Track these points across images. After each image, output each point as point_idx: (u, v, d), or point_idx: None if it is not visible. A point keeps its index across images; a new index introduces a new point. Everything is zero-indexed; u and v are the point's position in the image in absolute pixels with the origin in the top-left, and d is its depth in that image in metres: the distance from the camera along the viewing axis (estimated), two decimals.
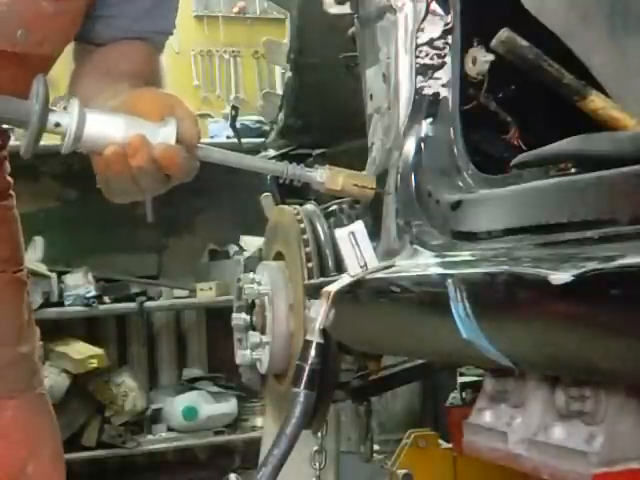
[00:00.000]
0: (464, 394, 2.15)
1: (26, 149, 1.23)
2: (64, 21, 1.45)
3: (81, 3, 1.46)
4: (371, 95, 1.68)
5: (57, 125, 1.24)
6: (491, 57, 1.44)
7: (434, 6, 1.51)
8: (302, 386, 1.52)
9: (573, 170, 1.13)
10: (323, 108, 2.38)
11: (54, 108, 1.24)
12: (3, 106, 1.23)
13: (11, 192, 1.66)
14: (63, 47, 1.50)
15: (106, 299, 4.22)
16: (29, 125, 1.21)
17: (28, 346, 1.61)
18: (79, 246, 4.50)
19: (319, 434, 1.89)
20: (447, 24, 1.51)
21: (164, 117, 1.28)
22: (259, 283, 1.91)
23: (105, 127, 1.25)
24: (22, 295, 1.62)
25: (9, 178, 1.67)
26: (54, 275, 4.12)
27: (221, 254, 4.69)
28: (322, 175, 1.42)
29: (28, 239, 4.15)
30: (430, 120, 1.51)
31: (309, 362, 1.53)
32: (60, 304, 4.12)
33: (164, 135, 1.26)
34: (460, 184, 1.41)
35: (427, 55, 1.52)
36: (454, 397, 2.19)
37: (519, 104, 1.49)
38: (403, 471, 2.09)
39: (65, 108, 1.25)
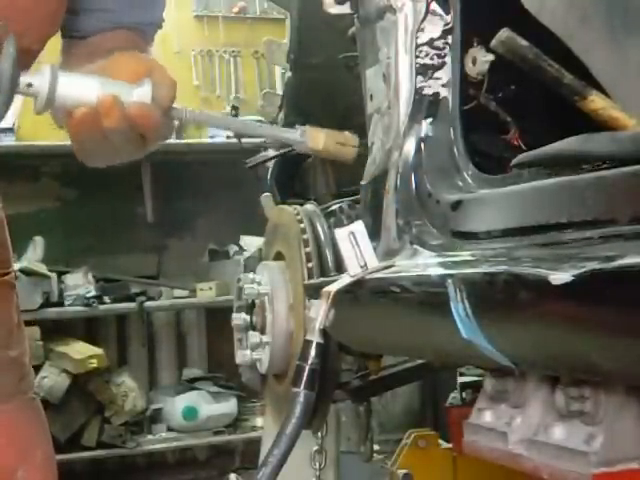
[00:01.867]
0: (464, 394, 2.15)
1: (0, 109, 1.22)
2: (44, 14, 1.43)
3: None
4: (371, 95, 1.68)
5: (29, 85, 1.22)
6: (491, 57, 1.44)
7: (434, 6, 1.51)
8: (302, 386, 1.52)
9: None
10: (323, 108, 2.37)
11: (25, 71, 1.24)
12: None
13: None
14: (45, 40, 1.48)
15: (106, 299, 4.22)
16: (1, 85, 1.20)
17: (18, 350, 1.59)
18: (79, 246, 4.50)
19: (319, 434, 1.89)
20: (447, 24, 1.51)
21: (139, 77, 1.27)
22: (259, 283, 1.91)
23: (78, 88, 1.24)
24: (11, 298, 1.60)
25: None
26: (54, 275, 4.12)
27: (221, 254, 4.69)
28: (303, 134, 1.40)
29: (28, 239, 4.15)
30: (430, 120, 1.51)
31: (309, 362, 1.53)
32: (60, 304, 4.12)
33: (138, 96, 1.25)
34: (460, 184, 1.41)
35: (427, 55, 1.52)
36: (454, 397, 2.19)
37: (519, 104, 1.49)
38: (403, 471, 2.09)
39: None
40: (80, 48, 1.51)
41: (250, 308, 1.94)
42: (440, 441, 2.19)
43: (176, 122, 1.33)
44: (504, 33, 1.36)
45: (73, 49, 1.52)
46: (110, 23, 1.50)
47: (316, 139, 1.39)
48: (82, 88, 1.25)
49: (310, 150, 1.40)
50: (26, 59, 1.46)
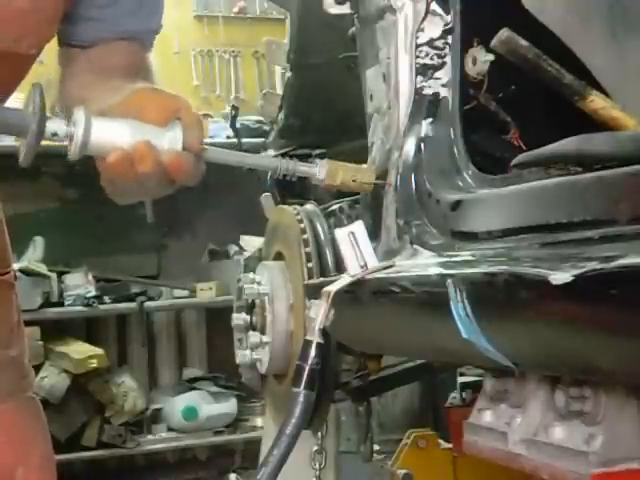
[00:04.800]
0: (464, 394, 2.15)
1: (25, 158, 1.24)
2: (41, 18, 1.44)
3: (59, 1, 1.44)
4: (371, 95, 1.68)
5: (54, 134, 1.24)
6: (491, 57, 1.44)
7: (434, 6, 1.51)
8: (302, 386, 1.52)
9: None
10: (323, 108, 2.38)
11: (50, 116, 1.25)
12: (1, 115, 1.23)
13: None
14: (42, 46, 1.49)
15: (106, 299, 4.23)
16: (27, 134, 1.21)
17: (17, 349, 1.60)
18: (79, 246, 4.50)
19: (319, 434, 1.89)
20: (447, 24, 1.51)
21: (168, 120, 1.27)
22: (259, 283, 1.91)
23: (111, 132, 1.26)
24: (10, 297, 1.60)
25: None
26: (54, 275, 4.13)
27: (221, 254, 4.69)
28: (321, 171, 1.42)
29: (28, 239, 4.16)
30: (430, 120, 1.51)
31: (309, 362, 1.53)
32: (60, 304, 4.12)
33: (170, 140, 1.27)
34: (460, 184, 1.41)
35: (427, 55, 1.52)
36: (454, 397, 2.19)
37: (519, 104, 1.49)
38: (403, 471, 2.10)
39: (68, 118, 1.26)
40: (83, 61, 1.50)
41: (250, 308, 1.94)
42: (440, 441, 2.19)
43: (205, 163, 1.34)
44: (504, 33, 1.36)
45: (74, 60, 1.52)
46: (109, 33, 1.50)
47: (333, 176, 1.43)
48: (114, 133, 1.26)
49: (327, 186, 1.44)
50: (23, 63, 1.47)
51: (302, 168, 1.42)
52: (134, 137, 1.25)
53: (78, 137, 1.24)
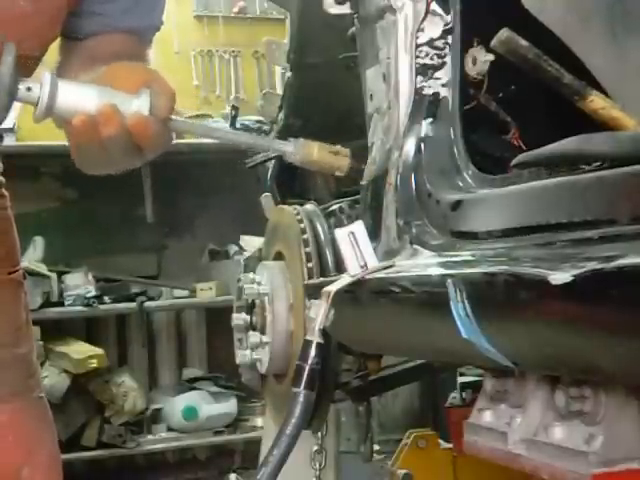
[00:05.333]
0: (464, 394, 2.15)
1: None
2: (43, 21, 1.44)
3: (60, 2, 1.45)
4: (371, 95, 1.68)
5: (29, 89, 1.23)
6: (491, 57, 1.44)
7: (434, 6, 1.51)
8: (302, 386, 1.52)
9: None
10: (323, 108, 2.38)
11: (25, 79, 1.24)
12: None
13: (4, 192, 1.64)
14: (45, 47, 1.49)
15: (106, 299, 4.22)
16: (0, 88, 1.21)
17: (26, 347, 1.60)
18: (79, 246, 4.50)
19: (319, 434, 1.89)
20: (447, 24, 1.51)
21: (137, 87, 1.27)
22: (259, 283, 1.91)
23: (78, 96, 1.25)
24: (19, 296, 1.61)
25: (0, 178, 1.66)
26: (54, 275, 4.12)
27: (221, 254, 4.69)
28: (297, 146, 1.39)
29: (28, 239, 4.15)
30: (430, 120, 1.51)
31: (309, 362, 1.53)
32: (60, 304, 4.12)
33: (137, 106, 1.26)
34: (460, 184, 1.41)
35: (427, 55, 1.52)
36: (454, 397, 2.19)
37: (519, 104, 1.49)
38: (403, 471, 2.10)
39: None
40: (79, 50, 1.51)
41: (250, 308, 1.94)
42: (440, 441, 2.19)
43: (174, 133, 1.33)
44: (504, 33, 1.36)
45: (71, 50, 1.52)
46: (109, 27, 1.50)
47: (309, 150, 1.38)
48: (81, 97, 1.25)
49: (303, 161, 1.39)
50: (27, 65, 1.47)
51: (278, 144, 1.40)
52: (100, 101, 1.25)
53: (44, 98, 1.23)
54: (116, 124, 1.24)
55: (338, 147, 1.42)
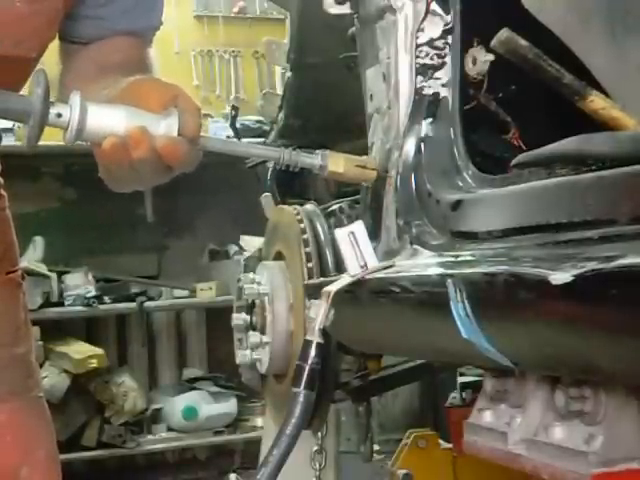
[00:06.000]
0: (464, 394, 2.15)
1: (29, 142, 1.23)
2: (40, 22, 1.44)
3: (57, 4, 1.44)
4: (371, 95, 1.68)
5: (59, 116, 1.23)
6: (491, 57, 1.44)
7: (434, 6, 1.51)
8: (302, 386, 1.52)
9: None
10: (323, 108, 2.37)
11: (54, 101, 1.24)
12: (3, 100, 1.22)
13: (2, 192, 1.64)
14: (42, 49, 1.49)
15: (106, 299, 4.22)
16: (31, 117, 1.21)
17: (24, 347, 1.60)
18: (79, 246, 4.50)
19: (319, 434, 1.89)
20: (447, 24, 1.51)
21: (165, 107, 1.27)
22: (259, 283, 1.91)
23: (107, 118, 1.25)
24: (17, 296, 1.61)
25: None
26: (54, 275, 4.12)
27: (221, 254, 4.69)
28: (324, 159, 1.40)
29: (28, 239, 4.15)
30: (430, 120, 1.51)
31: (309, 362, 1.53)
32: (60, 304, 4.12)
33: (166, 127, 1.26)
34: (460, 184, 1.41)
35: (427, 55, 1.52)
36: (454, 397, 2.19)
37: (519, 104, 1.49)
38: (403, 471, 2.10)
39: (66, 102, 1.25)
40: (83, 57, 1.50)
41: (250, 308, 1.94)
42: (440, 441, 2.19)
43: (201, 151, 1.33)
44: (504, 33, 1.36)
45: (74, 56, 1.52)
46: (108, 30, 1.50)
47: (336, 163, 1.40)
48: (110, 119, 1.25)
49: (331, 174, 1.41)
50: (24, 67, 1.47)
51: (304, 158, 1.40)
52: (129, 123, 1.25)
53: (74, 121, 1.23)
54: (146, 146, 1.24)
55: (365, 158, 1.44)
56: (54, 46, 1.55)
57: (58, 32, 1.52)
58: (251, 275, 1.95)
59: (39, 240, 4.26)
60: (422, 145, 1.51)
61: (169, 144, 1.25)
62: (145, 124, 1.25)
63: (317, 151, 1.41)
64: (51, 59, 1.56)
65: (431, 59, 1.52)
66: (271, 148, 1.42)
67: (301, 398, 1.51)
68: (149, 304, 4.34)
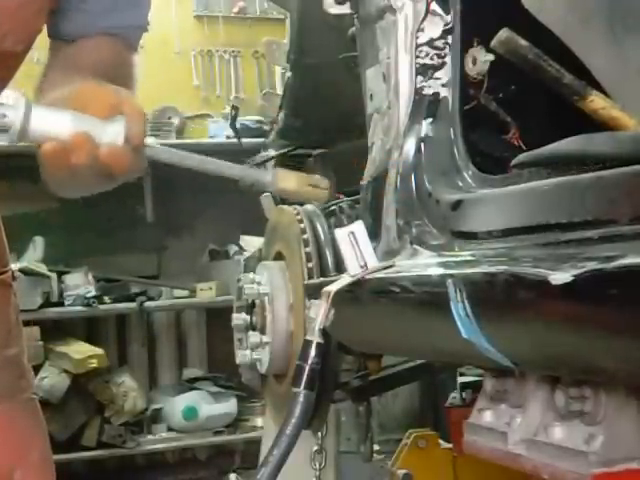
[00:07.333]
0: (464, 394, 2.15)
1: None
2: (27, 15, 1.43)
3: None
4: (371, 95, 1.68)
5: (3, 116, 1.23)
6: (491, 57, 1.44)
7: (434, 6, 1.51)
8: (302, 386, 1.52)
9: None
10: (323, 108, 2.38)
11: (1, 102, 1.24)
12: None
13: None
14: (29, 42, 1.48)
15: (106, 299, 4.23)
16: None
17: (16, 349, 1.59)
18: (79, 246, 4.50)
19: (319, 434, 1.89)
20: (447, 24, 1.51)
21: (111, 113, 1.26)
22: (259, 283, 1.91)
23: (51, 122, 1.25)
24: (8, 297, 1.60)
25: None
26: (54, 275, 4.12)
27: (221, 254, 4.69)
28: (274, 176, 1.36)
29: (28, 239, 4.15)
30: (430, 120, 1.51)
31: (309, 362, 1.53)
32: (60, 304, 4.12)
33: (111, 134, 1.25)
34: (460, 184, 1.41)
35: (427, 55, 1.52)
36: (454, 397, 2.19)
37: (519, 104, 1.49)
38: (403, 471, 2.10)
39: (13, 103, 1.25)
40: (63, 55, 1.50)
41: (250, 308, 1.95)
42: (440, 441, 2.19)
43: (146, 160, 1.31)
44: (504, 33, 1.36)
45: (57, 54, 1.51)
46: (92, 27, 1.49)
47: (287, 181, 1.36)
48: (55, 123, 1.25)
49: (281, 191, 1.38)
50: (10, 61, 1.46)
51: (255, 174, 1.39)
52: (74, 127, 1.24)
53: (16, 123, 1.23)
54: (87, 152, 1.24)
55: (317, 177, 1.40)
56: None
57: (46, 29, 1.51)
58: (251, 275, 1.95)
59: (39, 240, 4.26)
60: (422, 145, 1.51)
61: (114, 152, 1.25)
62: (89, 129, 1.25)
63: (269, 167, 1.39)
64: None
65: (431, 59, 1.52)
66: (220, 162, 1.38)
67: (301, 398, 1.52)
68: (149, 304, 4.34)
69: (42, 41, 1.51)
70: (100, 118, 1.26)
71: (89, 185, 1.32)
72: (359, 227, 1.49)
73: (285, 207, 2.07)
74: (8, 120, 1.24)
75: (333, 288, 1.51)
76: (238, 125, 3.80)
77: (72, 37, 1.50)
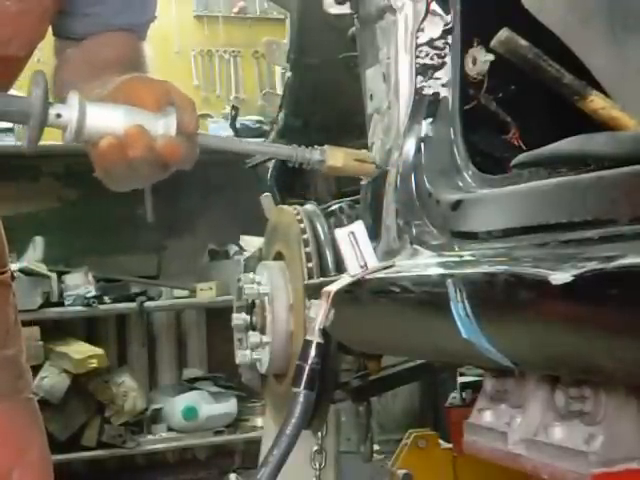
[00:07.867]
0: (464, 394, 2.15)
1: (29, 143, 1.22)
2: (29, 20, 1.43)
3: (46, 2, 1.44)
4: (371, 95, 1.68)
5: (58, 116, 1.23)
6: (491, 57, 1.44)
7: (434, 6, 1.51)
8: (302, 386, 1.52)
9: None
10: (323, 108, 2.37)
11: (53, 102, 1.24)
12: (3, 102, 1.22)
13: None
14: (32, 47, 1.48)
15: (106, 299, 4.23)
16: (31, 118, 1.21)
17: (14, 348, 1.59)
18: (79, 246, 4.50)
19: (319, 434, 1.89)
20: (447, 24, 1.51)
21: (162, 105, 1.27)
22: (259, 283, 1.91)
23: (105, 118, 1.25)
24: (7, 297, 1.60)
25: None
26: (54, 275, 4.13)
27: (221, 254, 4.69)
28: (322, 153, 1.39)
29: (28, 239, 4.15)
30: (430, 120, 1.51)
31: (309, 362, 1.53)
32: (60, 304, 4.12)
33: (164, 126, 1.26)
34: (460, 184, 1.41)
35: (427, 55, 1.52)
36: (454, 397, 2.19)
37: (519, 104, 1.49)
38: (403, 471, 2.10)
39: (64, 102, 1.25)
40: (75, 52, 1.50)
41: (250, 308, 1.94)
42: (440, 441, 2.19)
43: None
44: (504, 33, 1.36)
45: (69, 54, 1.51)
46: (101, 27, 1.50)
47: (335, 157, 1.39)
48: (109, 119, 1.25)
49: (330, 169, 1.40)
50: (14, 66, 1.46)
51: (303, 153, 1.40)
52: (127, 122, 1.25)
53: (73, 121, 1.23)
54: (143, 146, 1.24)
55: (363, 153, 1.43)
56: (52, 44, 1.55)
57: (52, 28, 1.51)
58: (251, 275, 1.95)
59: (39, 240, 4.26)
60: (422, 145, 1.51)
61: (169, 143, 1.25)
62: (143, 122, 1.25)
63: (317, 146, 1.40)
64: (52, 59, 1.56)
65: (431, 59, 1.52)
66: (268, 144, 1.41)
67: (301, 398, 1.51)
68: (149, 304, 4.34)
69: (43, 41, 1.51)
70: (150, 110, 1.27)
71: (145, 177, 1.32)
72: (359, 227, 1.49)
73: (285, 207, 2.07)
74: (63, 120, 1.23)
75: (333, 288, 1.51)
76: (238, 125, 3.80)
77: (82, 37, 1.51)
